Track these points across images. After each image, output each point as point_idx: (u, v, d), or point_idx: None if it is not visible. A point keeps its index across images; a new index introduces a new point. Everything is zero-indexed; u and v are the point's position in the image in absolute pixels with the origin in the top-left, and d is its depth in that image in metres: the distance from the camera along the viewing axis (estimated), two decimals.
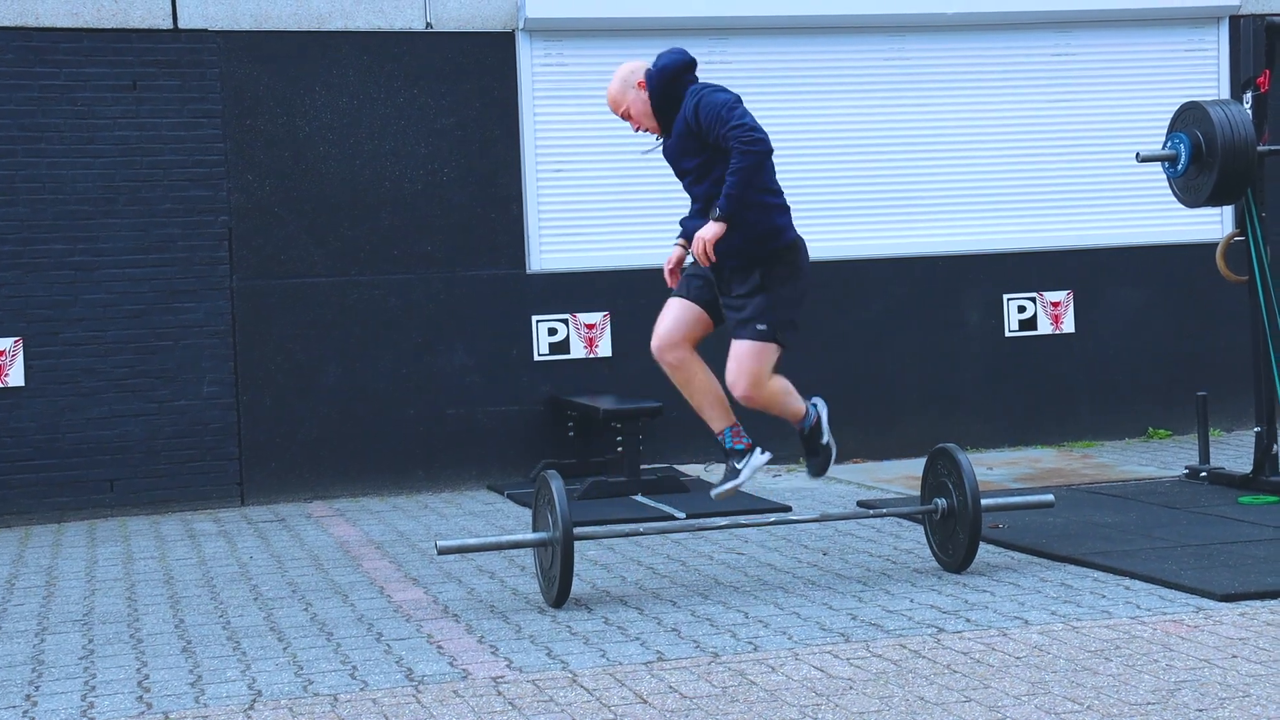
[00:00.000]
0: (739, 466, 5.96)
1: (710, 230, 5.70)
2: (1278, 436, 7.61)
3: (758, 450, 6.00)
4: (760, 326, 5.78)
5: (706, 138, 5.75)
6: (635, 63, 6.03)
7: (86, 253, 8.72)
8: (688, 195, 6.06)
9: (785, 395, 5.99)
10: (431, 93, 9.21)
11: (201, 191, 8.88)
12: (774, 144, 5.82)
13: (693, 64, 5.96)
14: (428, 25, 9.20)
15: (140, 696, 4.77)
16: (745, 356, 5.79)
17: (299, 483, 9.00)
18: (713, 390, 5.95)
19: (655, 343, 5.96)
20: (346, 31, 9.09)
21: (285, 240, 9.03)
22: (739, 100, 5.79)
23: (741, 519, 6.63)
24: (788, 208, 5.94)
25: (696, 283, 5.94)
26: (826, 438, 6.14)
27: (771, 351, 5.84)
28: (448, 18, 9.21)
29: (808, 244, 6.05)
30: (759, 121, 5.75)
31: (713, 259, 5.73)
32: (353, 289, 9.12)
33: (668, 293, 6.10)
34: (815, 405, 6.14)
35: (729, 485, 5.96)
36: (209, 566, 6.99)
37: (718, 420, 5.98)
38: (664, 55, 5.94)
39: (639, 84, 5.93)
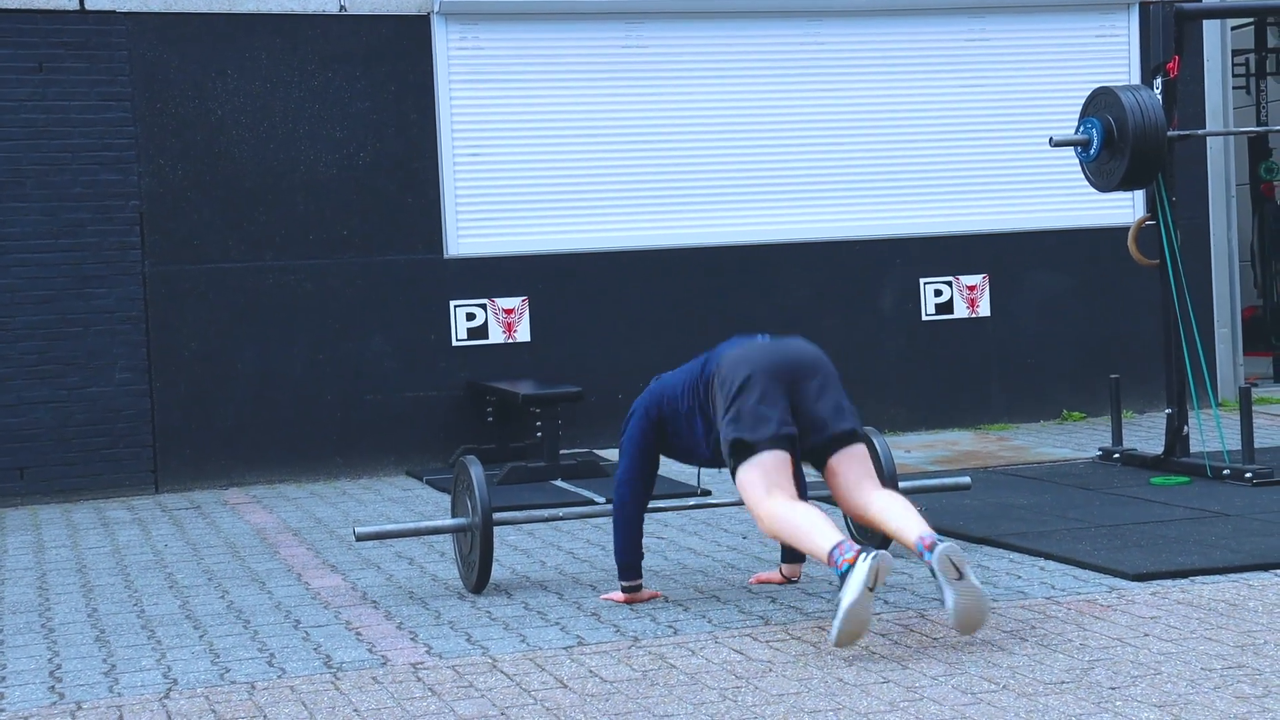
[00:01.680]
0: (840, 598, 4.51)
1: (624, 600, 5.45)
2: (1188, 418, 7.74)
3: (861, 559, 4.53)
4: (728, 462, 5.11)
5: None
6: None
7: None
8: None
9: (793, 525, 4.86)
10: (346, 76, 9.12)
11: (112, 175, 8.74)
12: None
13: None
14: (341, 8, 9.10)
15: (52, 686, 4.69)
16: (742, 493, 5.06)
17: (215, 469, 8.90)
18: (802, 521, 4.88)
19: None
20: (259, 14, 8.97)
21: (198, 225, 8.91)
22: (624, 428, 5.47)
23: (661, 503, 6.63)
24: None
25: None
26: (841, 594, 4.55)
27: (745, 472, 4.97)
28: (362, 1, 9.12)
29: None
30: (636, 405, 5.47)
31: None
32: (268, 274, 9.02)
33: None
34: (859, 555, 4.57)
35: (835, 627, 4.52)
36: (123, 555, 6.89)
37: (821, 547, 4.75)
38: None
39: None
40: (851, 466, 5.09)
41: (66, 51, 8.66)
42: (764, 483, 4.94)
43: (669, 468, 8.73)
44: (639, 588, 5.48)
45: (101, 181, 8.73)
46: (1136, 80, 10.01)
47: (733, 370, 5.14)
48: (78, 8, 8.67)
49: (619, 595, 5.49)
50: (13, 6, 8.56)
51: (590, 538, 6.79)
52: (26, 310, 8.60)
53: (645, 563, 6.17)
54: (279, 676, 4.69)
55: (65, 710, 4.44)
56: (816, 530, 4.76)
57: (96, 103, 8.71)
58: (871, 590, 4.47)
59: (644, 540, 6.26)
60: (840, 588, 4.52)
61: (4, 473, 8.56)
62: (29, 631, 5.45)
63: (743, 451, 4.99)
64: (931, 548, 4.64)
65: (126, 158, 8.76)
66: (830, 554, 4.62)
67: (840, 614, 4.46)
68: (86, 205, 8.70)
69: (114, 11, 8.73)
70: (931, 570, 4.61)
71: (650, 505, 6.30)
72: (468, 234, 9.36)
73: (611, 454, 9.25)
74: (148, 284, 8.81)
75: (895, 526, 4.87)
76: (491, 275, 9.36)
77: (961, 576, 4.56)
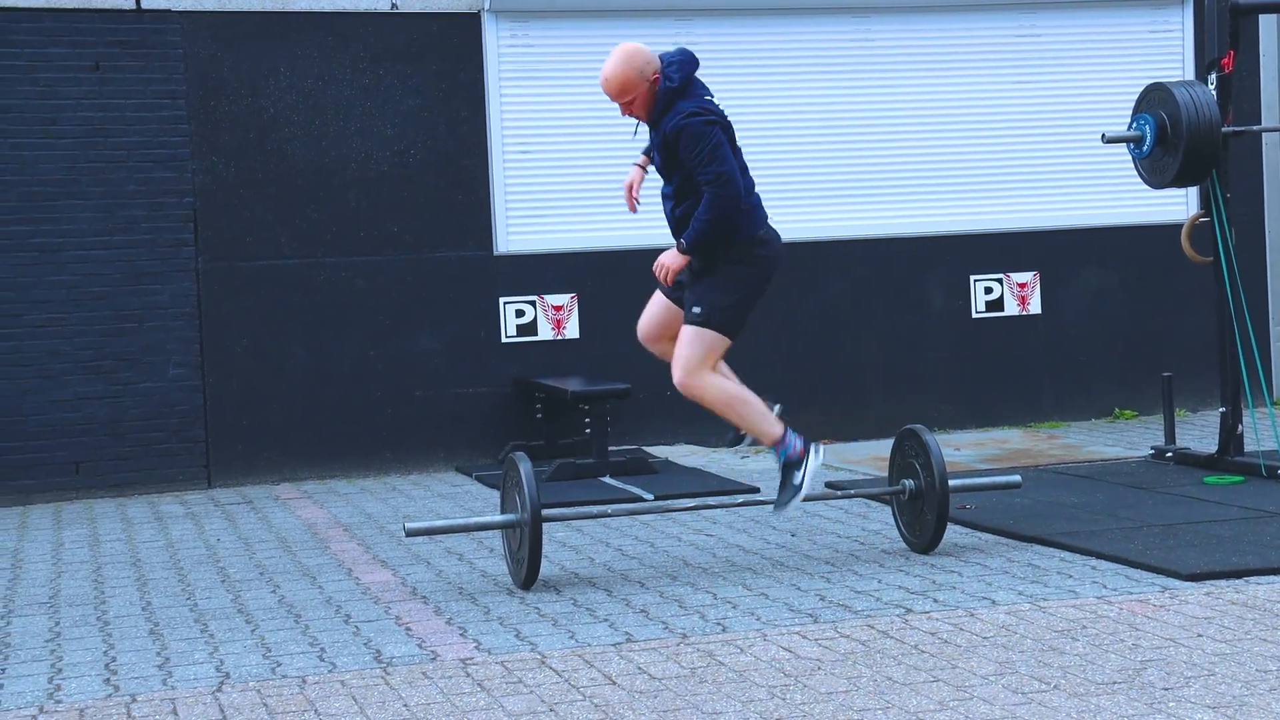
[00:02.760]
0: (796, 482, 5.80)
1: (673, 259, 5.75)
2: (1242, 417, 7.67)
3: (813, 451, 5.84)
4: (695, 310, 5.71)
5: (682, 165, 5.68)
6: (638, 47, 5.77)
7: (50, 234, 8.65)
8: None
9: (736, 401, 5.77)
10: (397, 74, 9.17)
11: (166, 173, 8.81)
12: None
13: (698, 67, 5.87)
14: (393, 6, 9.15)
15: (107, 679, 4.75)
16: (681, 342, 5.73)
17: (266, 465, 8.97)
18: (727, 391, 5.81)
19: (640, 337, 6.03)
20: (310, 12, 9.03)
21: (251, 222, 8.97)
22: (721, 144, 5.67)
23: (709, 500, 6.64)
24: (754, 205, 5.82)
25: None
26: (800, 479, 5.78)
27: (708, 338, 5.70)
28: None
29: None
30: (729, 160, 5.68)
31: (669, 284, 5.81)
32: (319, 271, 9.08)
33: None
34: (806, 444, 5.83)
35: (788, 506, 5.86)
36: (176, 549, 6.95)
37: (746, 424, 5.87)
38: (680, 54, 5.80)
39: (654, 76, 5.71)
40: None
41: (122, 50, 8.74)
42: (712, 357, 5.74)
43: (718, 464, 8.73)
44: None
45: (156, 179, 8.81)
46: (1190, 76, 9.92)
47: (772, 266, 5.87)
48: (134, 7, 8.75)
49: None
50: (70, 6, 8.64)
51: (639, 534, 6.80)
52: (83, 306, 8.69)
53: (692, 558, 6.18)
54: (330, 671, 4.72)
55: (120, 702, 4.49)
56: (763, 414, 5.77)
57: (151, 101, 8.79)
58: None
59: (692, 537, 6.30)
60: (794, 471, 5.74)
61: (60, 467, 8.66)
62: (85, 624, 5.52)
63: (725, 327, 5.70)
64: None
65: (181, 155, 8.84)
66: (780, 440, 5.74)
67: (798, 499, 5.72)
68: (141, 202, 8.78)
69: (169, 10, 8.81)
70: (796, 442, 5.76)
71: (699, 503, 6.32)
72: (517, 231, 9.39)
73: (660, 450, 9.26)
74: (201, 280, 8.88)
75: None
76: (541, 272, 9.38)
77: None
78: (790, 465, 5.78)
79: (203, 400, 8.86)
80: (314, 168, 9.06)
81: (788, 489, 5.78)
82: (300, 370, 9.04)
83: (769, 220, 5.89)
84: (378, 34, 9.13)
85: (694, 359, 5.70)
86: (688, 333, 5.71)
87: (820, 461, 5.79)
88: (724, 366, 5.92)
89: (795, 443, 5.78)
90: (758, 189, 5.92)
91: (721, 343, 5.74)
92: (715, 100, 5.87)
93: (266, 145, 8.99)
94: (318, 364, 9.06)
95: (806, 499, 5.84)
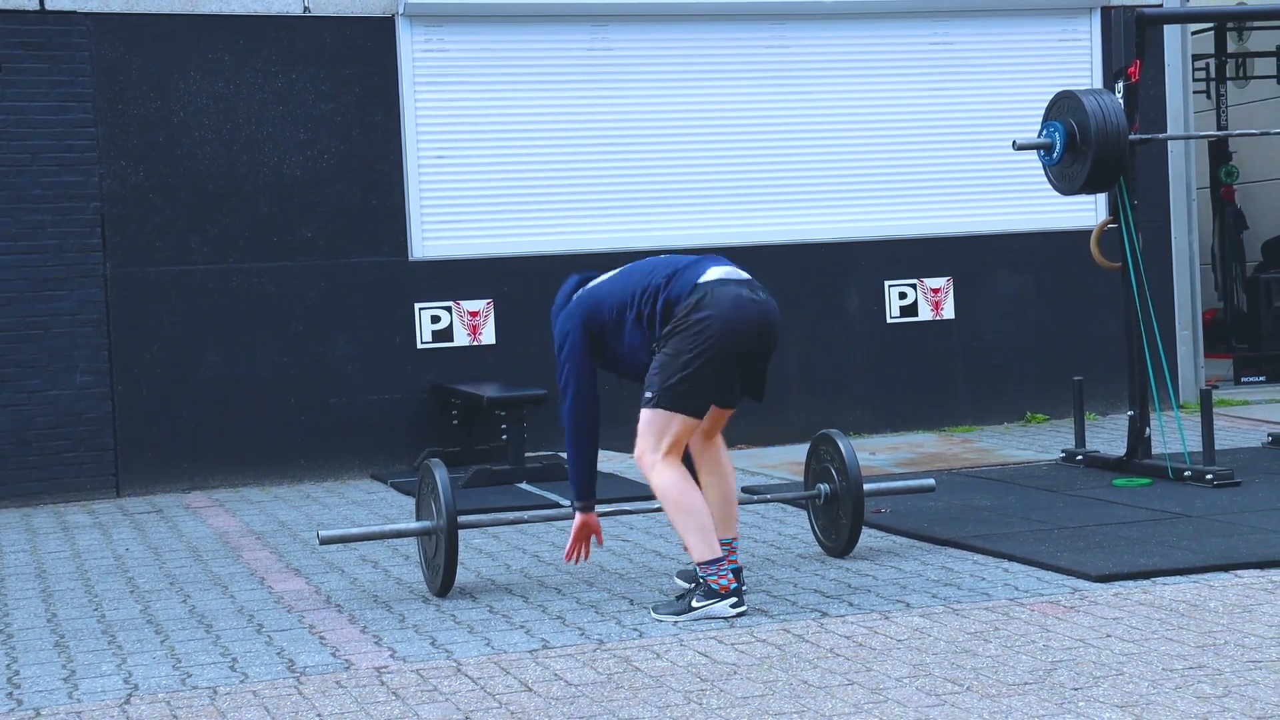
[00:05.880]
0: (695, 605, 5.16)
1: (578, 524, 5.54)
2: (1150, 420, 7.78)
3: (732, 601, 5.14)
4: (645, 394, 5.25)
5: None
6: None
7: None
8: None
9: (673, 505, 5.20)
10: (310, 78, 9.09)
11: (72, 177, 8.67)
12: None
13: (574, 287, 5.59)
14: (305, 10, 9.06)
15: (10, 693, 4.65)
16: (640, 425, 5.29)
17: (177, 473, 8.85)
18: (670, 490, 5.26)
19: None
20: (222, 15, 8.93)
21: (161, 227, 8.85)
22: (562, 344, 5.41)
23: (626, 506, 6.62)
24: (682, 266, 5.38)
25: None
26: (700, 607, 5.14)
27: (659, 419, 5.20)
28: (326, 2, 9.09)
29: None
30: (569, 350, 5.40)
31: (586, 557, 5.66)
32: (231, 277, 8.98)
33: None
34: (736, 590, 5.17)
35: (669, 615, 5.18)
36: (83, 559, 6.84)
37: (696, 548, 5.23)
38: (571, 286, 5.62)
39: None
40: (725, 416, 5.55)
41: (26, 52, 8.59)
42: (669, 437, 5.24)
43: (634, 470, 8.72)
44: (592, 508, 5.53)
45: (62, 183, 8.66)
46: (1099, 84, 10.07)
47: (713, 326, 5.21)
48: (38, 8, 8.60)
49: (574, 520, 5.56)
50: None
51: (556, 540, 6.78)
52: None
53: (609, 564, 6.17)
54: (241, 681, 4.66)
55: (24, 717, 4.40)
56: (703, 527, 5.22)
57: (57, 104, 8.65)
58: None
59: (609, 543, 6.26)
60: (701, 595, 5.15)
61: None
62: None
63: (671, 402, 5.21)
64: (733, 563, 5.30)
65: (88, 159, 8.70)
66: (708, 564, 5.16)
67: (682, 618, 5.12)
68: (46, 207, 8.63)
69: (75, 12, 8.67)
70: (728, 575, 5.18)
71: (615, 509, 6.30)
72: (432, 236, 9.34)
73: None
74: (109, 286, 8.75)
75: (719, 513, 5.42)
76: (456, 278, 9.33)
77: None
78: (703, 588, 5.17)
79: (111, 408, 8.72)
80: (225, 172, 8.96)
81: (683, 604, 5.18)
82: (212, 377, 8.93)
83: (712, 278, 5.29)
84: (290, 37, 9.04)
85: (645, 443, 5.23)
86: (642, 417, 5.26)
87: (731, 614, 5.09)
88: (723, 464, 5.53)
89: (724, 579, 5.15)
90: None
91: (675, 420, 5.20)
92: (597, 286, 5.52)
93: (176, 149, 8.88)
94: (230, 371, 8.95)
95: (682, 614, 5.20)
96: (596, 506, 5.56)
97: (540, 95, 9.45)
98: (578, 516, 5.55)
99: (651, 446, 5.24)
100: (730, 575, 5.18)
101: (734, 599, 5.13)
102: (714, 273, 5.32)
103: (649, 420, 5.24)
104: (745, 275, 5.42)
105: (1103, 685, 4.20)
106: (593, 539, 5.65)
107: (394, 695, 4.42)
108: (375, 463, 9.16)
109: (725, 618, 5.07)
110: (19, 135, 8.58)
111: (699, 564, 5.18)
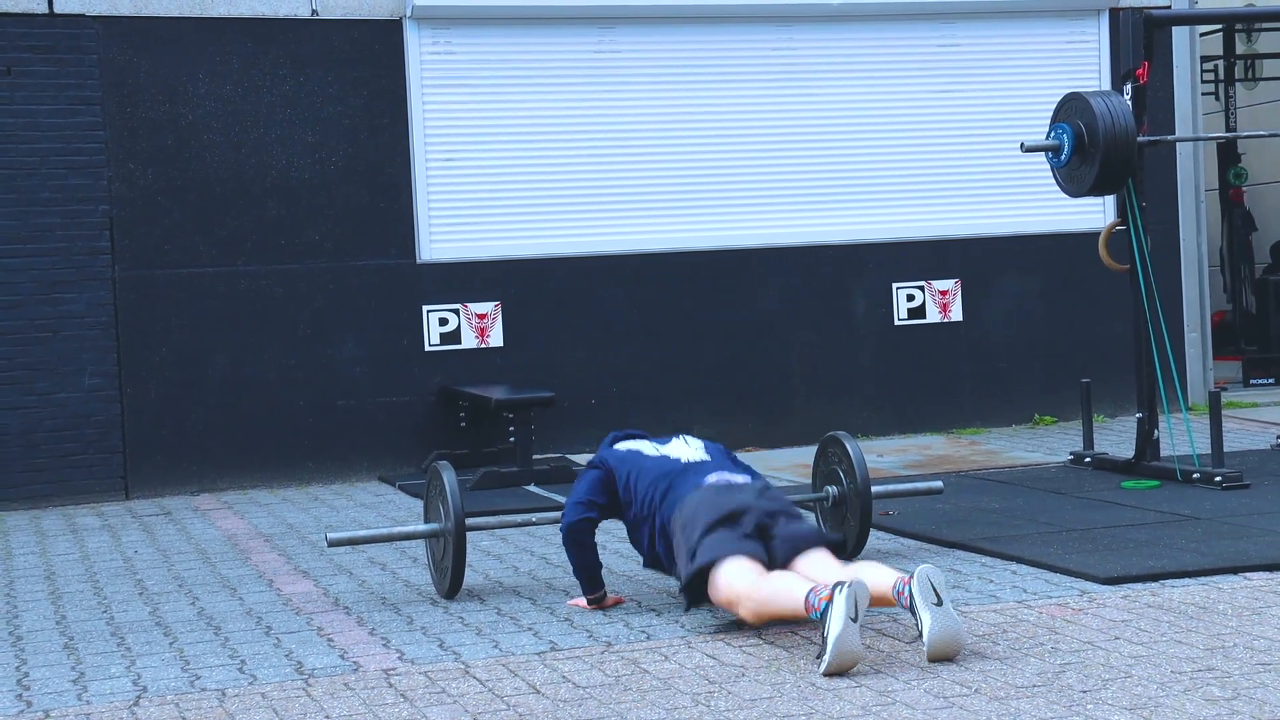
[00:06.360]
0: (825, 634, 4.45)
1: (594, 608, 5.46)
2: (1158, 422, 7.77)
3: (837, 593, 4.44)
4: (681, 591, 5.13)
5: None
6: None
7: None
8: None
9: (780, 592, 4.78)
10: (318, 81, 9.10)
11: (81, 180, 8.69)
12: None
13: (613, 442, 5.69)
14: (313, 12, 9.08)
15: (19, 695, 4.66)
16: (719, 602, 5.01)
17: (185, 475, 8.86)
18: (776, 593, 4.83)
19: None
20: (230, 18, 8.94)
21: (169, 230, 8.87)
22: (580, 479, 5.55)
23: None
24: (680, 467, 5.37)
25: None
26: (829, 631, 4.46)
27: (712, 590, 4.96)
28: (334, 5, 9.10)
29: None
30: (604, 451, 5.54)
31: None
32: (239, 279, 8.99)
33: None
34: (834, 589, 4.49)
35: (826, 661, 4.44)
36: (92, 561, 6.85)
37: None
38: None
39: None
40: (814, 556, 5.03)
41: (35, 55, 8.61)
42: (727, 593, 4.86)
43: None
44: (603, 596, 5.47)
45: (70, 186, 8.68)
46: (1107, 86, 10.06)
47: (700, 507, 5.10)
48: (46, 11, 8.62)
49: (584, 602, 5.47)
50: None
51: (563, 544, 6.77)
52: None
53: (617, 568, 6.17)
54: (250, 683, 4.66)
55: (33, 719, 4.40)
56: (787, 588, 4.72)
57: (65, 107, 8.66)
58: (855, 620, 4.38)
59: (615, 545, 6.25)
60: (824, 626, 4.44)
61: None
62: None
63: (700, 566, 4.91)
64: (909, 581, 4.55)
65: (96, 162, 8.72)
66: (806, 600, 4.59)
67: (829, 649, 4.37)
68: (55, 210, 8.65)
69: (83, 15, 8.69)
70: (911, 601, 4.53)
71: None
72: (440, 239, 9.34)
73: (584, 458, 9.24)
74: (117, 289, 8.76)
75: (871, 581, 4.69)
76: (464, 280, 9.34)
77: (940, 602, 4.50)
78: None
79: (120, 410, 8.74)
80: (233, 175, 8.97)
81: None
82: (220, 379, 8.94)
83: (700, 475, 5.28)
84: (298, 40, 9.06)
85: (725, 603, 4.95)
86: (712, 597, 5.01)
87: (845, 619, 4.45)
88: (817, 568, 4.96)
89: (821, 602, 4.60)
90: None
91: (718, 575, 4.92)
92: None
93: (185, 152, 8.89)
94: (238, 373, 8.96)
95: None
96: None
97: (548, 97, 9.46)
98: (585, 602, 5.46)
99: (735, 604, 4.86)
100: (824, 588, 4.57)
101: (837, 595, 4.42)
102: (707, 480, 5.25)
103: (713, 596, 4.96)
104: (741, 480, 5.28)
105: (1111, 688, 4.19)
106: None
107: (402, 697, 4.42)
108: (383, 465, 9.17)
109: (844, 610, 4.39)
110: (27, 138, 8.59)
111: (804, 611, 4.64)
